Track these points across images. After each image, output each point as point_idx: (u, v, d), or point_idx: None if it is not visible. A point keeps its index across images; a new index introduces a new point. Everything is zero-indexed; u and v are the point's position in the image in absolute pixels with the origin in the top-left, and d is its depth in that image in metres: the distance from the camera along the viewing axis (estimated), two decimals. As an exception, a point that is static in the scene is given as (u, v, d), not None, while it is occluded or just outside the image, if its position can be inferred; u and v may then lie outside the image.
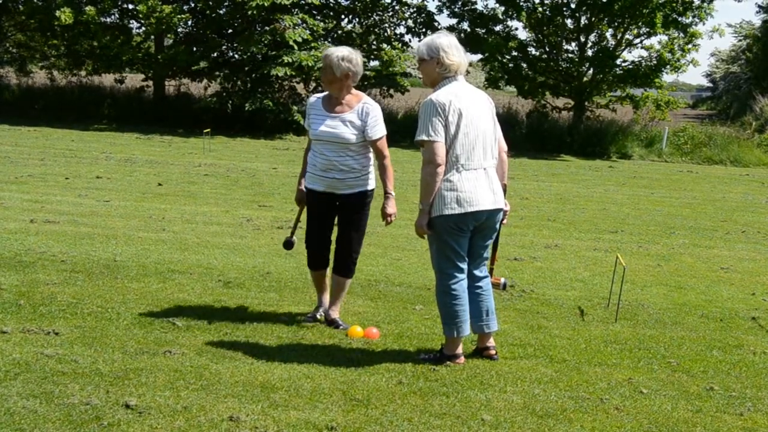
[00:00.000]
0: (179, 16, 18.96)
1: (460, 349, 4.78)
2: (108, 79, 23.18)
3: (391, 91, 21.59)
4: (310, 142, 5.35)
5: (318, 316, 5.46)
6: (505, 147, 4.87)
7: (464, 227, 4.60)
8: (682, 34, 20.18)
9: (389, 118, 20.94)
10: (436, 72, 4.62)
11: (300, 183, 5.46)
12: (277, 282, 6.40)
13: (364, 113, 5.15)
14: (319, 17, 20.45)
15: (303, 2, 19.48)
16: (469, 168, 4.55)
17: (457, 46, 4.64)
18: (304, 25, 19.05)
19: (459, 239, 4.62)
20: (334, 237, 5.48)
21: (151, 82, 21.92)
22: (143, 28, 20.50)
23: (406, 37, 22.53)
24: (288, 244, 5.66)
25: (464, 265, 4.71)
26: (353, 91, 5.24)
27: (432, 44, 4.63)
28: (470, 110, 4.55)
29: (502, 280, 5.21)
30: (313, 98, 5.35)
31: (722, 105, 43.41)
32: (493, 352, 4.89)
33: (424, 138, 4.49)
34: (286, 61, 18.40)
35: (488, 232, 4.77)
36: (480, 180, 4.58)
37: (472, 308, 4.80)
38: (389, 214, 5.18)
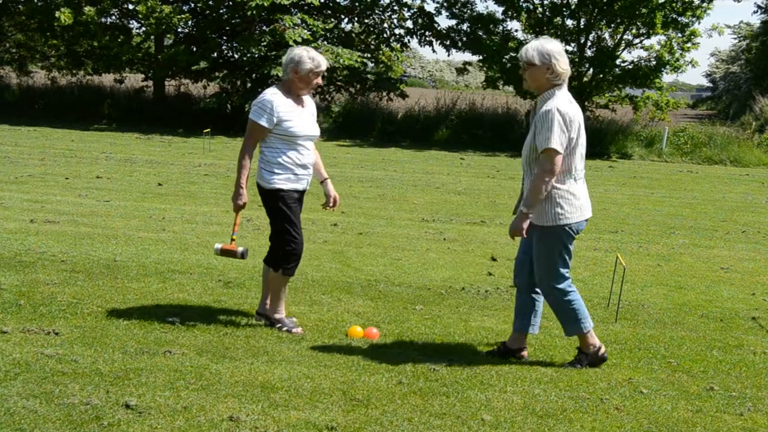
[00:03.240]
0: (179, 16, 18.96)
1: (597, 339, 4.86)
2: (108, 79, 23.18)
3: (391, 94, 21.59)
4: (260, 141, 5.14)
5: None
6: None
7: (577, 233, 4.72)
8: (680, 34, 20.17)
9: (389, 118, 20.99)
10: (545, 78, 4.61)
11: (244, 186, 5.17)
12: (277, 282, 6.39)
13: (311, 104, 5.35)
14: (318, 17, 20.44)
15: (302, 2, 19.47)
16: (579, 177, 4.68)
17: (563, 53, 4.65)
18: (304, 25, 19.05)
19: (572, 243, 4.75)
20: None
21: (151, 82, 21.92)
22: (143, 28, 20.50)
23: (406, 39, 22.53)
24: (245, 255, 5.34)
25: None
26: None
27: (543, 49, 4.61)
28: (580, 119, 4.63)
29: None
30: (275, 96, 5.11)
31: (722, 105, 43.39)
32: (525, 354, 4.97)
33: (553, 147, 4.48)
34: (286, 61, 18.38)
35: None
36: (585, 187, 4.75)
37: (528, 308, 4.92)
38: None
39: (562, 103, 4.55)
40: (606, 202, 12.07)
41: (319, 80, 5.20)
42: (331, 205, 5.49)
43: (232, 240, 5.38)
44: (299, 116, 5.16)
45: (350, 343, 5.03)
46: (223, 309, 5.62)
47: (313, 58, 5.10)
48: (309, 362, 4.62)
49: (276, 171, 5.14)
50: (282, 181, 5.16)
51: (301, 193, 5.28)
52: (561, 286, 4.73)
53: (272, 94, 5.13)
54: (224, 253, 5.39)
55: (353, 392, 4.20)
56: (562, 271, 4.73)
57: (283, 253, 5.24)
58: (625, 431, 3.96)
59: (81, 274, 6.26)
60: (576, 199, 4.63)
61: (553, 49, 4.60)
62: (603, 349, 4.85)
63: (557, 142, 4.47)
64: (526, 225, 4.61)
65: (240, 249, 5.33)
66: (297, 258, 5.26)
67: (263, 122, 5.09)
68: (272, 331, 5.16)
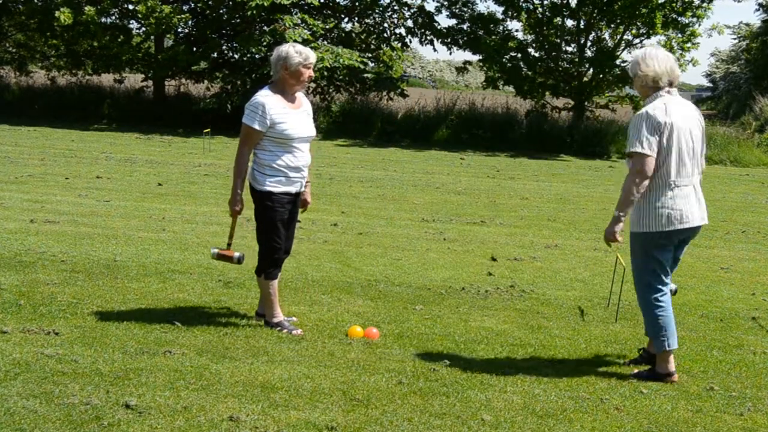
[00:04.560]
0: (179, 16, 18.96)
1: (672, 365, 4.69)
2: (108, 79, 23.18)
3: (391, 94, 21.56)
4: (256, 144, 5.08)
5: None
6: (703, 165, 4.82)
7: (671, 243, 4.64)
8: (680, 34, 20.17)
9: (389, 118, 20.99)
10: (640, 86, 4.61)
11: (241, 192, 5.14)
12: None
13: (307, 102, 5.29)
14: (318, 17, 20.43)
15: (303, 2, 19.47)
16: (680, 185, 4.59)
17: (655, 56, 4.56)
18: (304, 25, 19.04)
19: (665, 254, 4.66)
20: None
21: (151, 82, 21.92)
22: (143, 28, 20.50)
23: (407, 38, 22.51)
24: (241, 260, 5.28)
25: (668, 279, 4.74)
26: None
27: (635, 59, 4.61)
28: (681, 125, 4.55)
29: None
30: (266, 98, 5.08)
31: (722, 105, 43.37)
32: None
33: (638, 150, 4.47)
34: (286, 61, 18.37)
35: (686, 246, 4.83)
36: (690, 196, 4.63)
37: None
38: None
39: (656, 109, 4.50)
40: (606, 202, 12.06)
41: (311, 73, 5.15)
42: (300, 207, 5.39)
43: (229, 245, 5.34)
44: (293, 117, 5.10)
45: (350, 343, 5.03)
46: (223, 309, 5.62)
47: (300, 52, 5.06)
48: (309, 362, 4.62)
49: (268, 173, 5.10)
50: (273, 184, 5.10)
51: (294, 195, 5.22)
52: (651, 296, 4.70)
53: (264, 96, 5.08)
54: (221, 257, 5.34)
55: (353, 392, 4.20)
56: (652, 281, 4.68)
57: (264, 257, 5.20)
58: (625, 431, 3.96)
59: (81, 274, 6.26)
60: (669, 209, 4.55)
61: (638, 54, 4.59)
62: (675, 379, 4.65)
63: (643, 145, 4.45)
64: (618, 228, 4.56)
65: (236, 254, 5.27)
66: (278, 263, 5.23)
67: (256, 125, 5.03)
68: (272, 331, 5.16)
